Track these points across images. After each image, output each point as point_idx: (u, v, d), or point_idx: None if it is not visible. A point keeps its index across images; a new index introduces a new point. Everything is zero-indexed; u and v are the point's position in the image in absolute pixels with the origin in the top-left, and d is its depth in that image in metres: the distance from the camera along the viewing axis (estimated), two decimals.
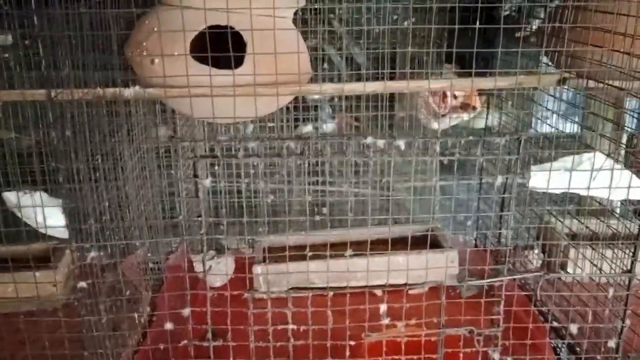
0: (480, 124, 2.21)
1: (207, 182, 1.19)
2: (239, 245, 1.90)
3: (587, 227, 1.48)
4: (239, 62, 1.22)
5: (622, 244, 1.30)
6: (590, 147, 1.37)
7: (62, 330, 1.25)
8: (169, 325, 1.25)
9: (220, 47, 1.17)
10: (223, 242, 1.71)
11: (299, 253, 1.25)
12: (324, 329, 1.21)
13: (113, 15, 1.24)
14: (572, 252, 1.53)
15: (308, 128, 2.13)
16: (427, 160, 2.00)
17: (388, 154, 1.14)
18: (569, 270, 1.55)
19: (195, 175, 1.17)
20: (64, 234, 1.23)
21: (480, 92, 2.15)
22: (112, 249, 1.29)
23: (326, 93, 1.35)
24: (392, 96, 2.11)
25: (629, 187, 1.22)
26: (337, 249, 1.31)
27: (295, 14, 1.37)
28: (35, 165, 1.41)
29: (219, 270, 1.44)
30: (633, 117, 1.30)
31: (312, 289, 1.24)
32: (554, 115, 1.55)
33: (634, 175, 1.23)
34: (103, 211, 1.30)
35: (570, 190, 1.23)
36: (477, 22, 1.14)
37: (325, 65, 2.00)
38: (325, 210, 2.00)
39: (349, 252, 1.24)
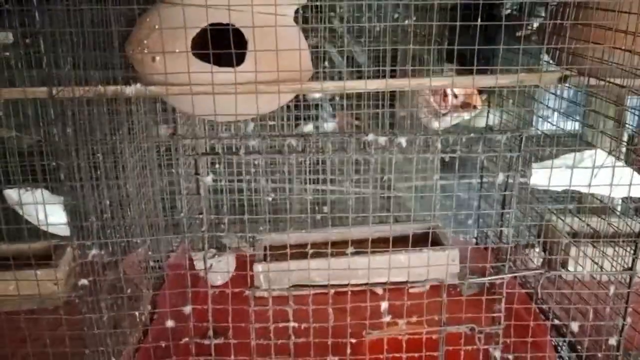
0: (481, 122, 2.21)
1: (209, 179, 1.19)
2: (240, 244, 1.90)
3: (588, 225, 1.48)
4: (240, 59, 1.22)
5: (623, 241, 1.30)
6: (591, 144, 1.37)
7: (63, 327, 1.24)
8: (170, 323, 1.25)
9: (222, 44, 1.17)
10: (224, 240, 1.72)
11: (299, 250, 1.25)
12: (325, 326, 1.20)
13: (114, 13, 1.24)
14: (573, 250, 1.53)
15: (309, 127, 2.13)
16: (428, 159, 2.01)
17: (389, 151, 1.14)
18: (570, 268, 1.55)
19: (197, 173, 1.17)
20: (65, 231, 1.23)
21: (481, 91, 2.15)
22: (113, 246, 1.29)
23: (327, 91, 1.35)
24: (392, 95, 2.11)
25: (630, 184, 1.22)
26: (338, 247, 1.31)
27: (296, 12, 1.37)
28: (36, 164, 1.41)
29: (219, 269, 1.44)
30: (634, 114, 1.30)
31: (313, 286, 1.24)
32: (555, 113, 1.55)
33: (635, 173, 1.23)
34: (104, 209, 1.30)
35: (572, 188, 1.23)
36: (479, 20, 1.14)
37: (326, 64, 2.00)
38: (326, 208, 2.00)
39: (350, 249, 1.24)
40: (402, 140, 1.13)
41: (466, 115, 2.19)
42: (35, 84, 1.22)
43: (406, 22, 1.91)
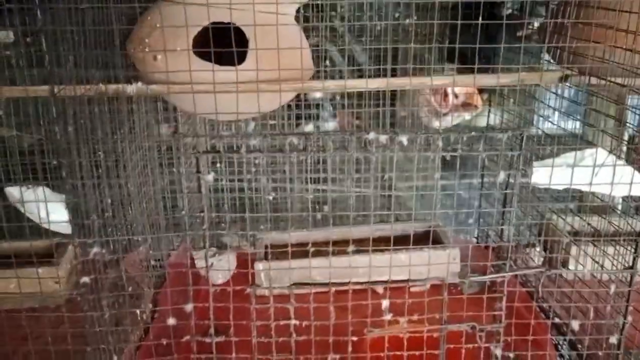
0: (482, 122, 2.21)
1: (210, 178, 1.19)
2: (240, 243, 1.90)
3: (588, 224, 1.48)
4: (241, 58, 1.22)
5: (624, 240, 1.30)
6: (592, 143, 1.37)
7: (64, 325, 1.25)
8: (171, 321, 1.25)
9: (223, 43, 1.17)
10: (225, 239, 1.72)
11: (300, 249, 1.25)
12: (326, 324, 1.20)
13: (115, 11, 1.24)
14: (573, 249, 1.53)
15: (309, 127, 2.13)
16: (429, 158, 2.01)
17: (390, 150, 1.14)
18: (571, 266, 1.55)
19: (198, 171, 1.17)
20: (67, 229, 1.23)
21: (482, 90, 2.15)
22: (114, 245, 1.29)
23: (328, 90, 1.36)
24: (393, 95, 2.11)
25: (631, 183, 1.22)
26: (339, 246, 1.31)
27: (297, 11, 1.37)
28: (37, 162, 1.41)
29: (220, 267, 1.44)
30: (635, 113, 1.30)
31: (314, 285, 1.24)
32: (556, 113, 1.55)
33: (635, 172, 1.23)
34: (105, 207, 1.30)
35: (572, 187, 1.24)
36: (480, 19, 1.14)
37: (327, 63, 2.00)
38: (327, 207, 2.01)
39: (351, 248, 1.24)
40: (403, 139, 1.13)
41: (467, 115, 2.19)
42: (36, 83, 1.22)
43: (407, 21, 1.91)
